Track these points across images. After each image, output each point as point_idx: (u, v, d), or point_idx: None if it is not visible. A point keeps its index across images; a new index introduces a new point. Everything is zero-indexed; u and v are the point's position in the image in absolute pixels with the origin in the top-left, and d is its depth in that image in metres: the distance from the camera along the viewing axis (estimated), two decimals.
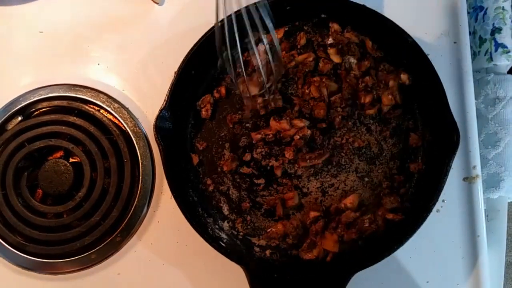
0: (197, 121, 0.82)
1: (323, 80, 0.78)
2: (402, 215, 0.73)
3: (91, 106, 0.84)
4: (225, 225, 0.79)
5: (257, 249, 0.77)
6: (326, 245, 0.73)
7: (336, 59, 0.80)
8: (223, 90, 0.82)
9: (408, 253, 0.76)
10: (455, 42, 0.83)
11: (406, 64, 0.78)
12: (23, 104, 0.83)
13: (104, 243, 0.78)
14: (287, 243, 0.76)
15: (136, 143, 0.82)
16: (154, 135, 0.72)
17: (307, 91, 0.79)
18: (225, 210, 0.79)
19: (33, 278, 0.79)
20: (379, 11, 0.76)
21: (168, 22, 0.87)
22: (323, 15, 0.81)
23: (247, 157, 0.80)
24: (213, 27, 0.76)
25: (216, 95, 0.82)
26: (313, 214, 0.75)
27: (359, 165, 0.78)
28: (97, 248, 0.78)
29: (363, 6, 0.76)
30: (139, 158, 0.81)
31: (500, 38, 0.82)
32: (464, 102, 0.80)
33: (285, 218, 0.77)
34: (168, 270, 0.79)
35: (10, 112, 0.83)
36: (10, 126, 0.83)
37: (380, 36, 0.79)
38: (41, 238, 0.78)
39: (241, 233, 0.78)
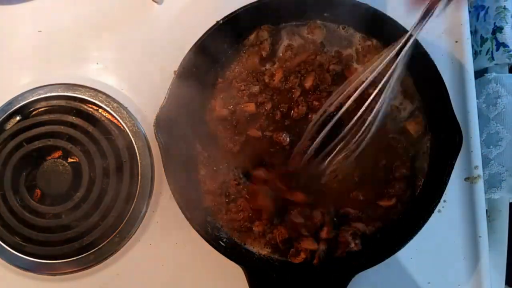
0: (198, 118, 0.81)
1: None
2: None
3: (90, 105, 0.83)
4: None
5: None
6: (306, 245, 0.73)
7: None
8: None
9: (409, 254, 0.76)
10: (456, 41, 0.82)
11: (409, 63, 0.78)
12: (22, 103, 0.83)
13: (103, 243, 0.78)
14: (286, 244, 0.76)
15: (135, 143, 0.81)
16: (154, 133, 0.72)
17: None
18: None
19: (32, 279, 0.79)
20: (381, 10, 0.75)
21: (167, 21, 0.87)
22: (325, 14, 0.81)
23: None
24: (214, 24, 0.75)
25: None
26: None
27: (360, 165, 0.78)
28: (96, 248, 0.78)
29: (366, 5, 0.75)
30: (138, 158, 0.81)
31: (501, 37, 0.82)
32: (466, 102, 0.79)
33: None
34: (167, 271, 0.78)
35: (9, 112, 0.82)
36: (9, 125, 0.82)
37: (382, 36, 0.79)
38: (39, 239, 0.78)
39: None
